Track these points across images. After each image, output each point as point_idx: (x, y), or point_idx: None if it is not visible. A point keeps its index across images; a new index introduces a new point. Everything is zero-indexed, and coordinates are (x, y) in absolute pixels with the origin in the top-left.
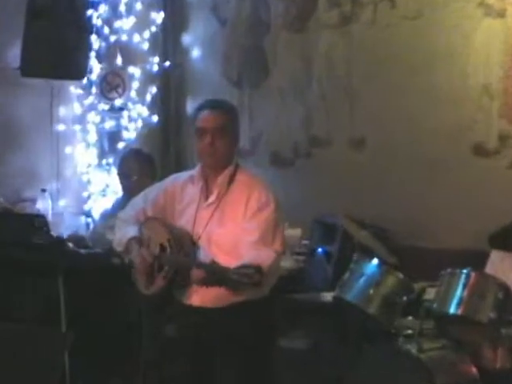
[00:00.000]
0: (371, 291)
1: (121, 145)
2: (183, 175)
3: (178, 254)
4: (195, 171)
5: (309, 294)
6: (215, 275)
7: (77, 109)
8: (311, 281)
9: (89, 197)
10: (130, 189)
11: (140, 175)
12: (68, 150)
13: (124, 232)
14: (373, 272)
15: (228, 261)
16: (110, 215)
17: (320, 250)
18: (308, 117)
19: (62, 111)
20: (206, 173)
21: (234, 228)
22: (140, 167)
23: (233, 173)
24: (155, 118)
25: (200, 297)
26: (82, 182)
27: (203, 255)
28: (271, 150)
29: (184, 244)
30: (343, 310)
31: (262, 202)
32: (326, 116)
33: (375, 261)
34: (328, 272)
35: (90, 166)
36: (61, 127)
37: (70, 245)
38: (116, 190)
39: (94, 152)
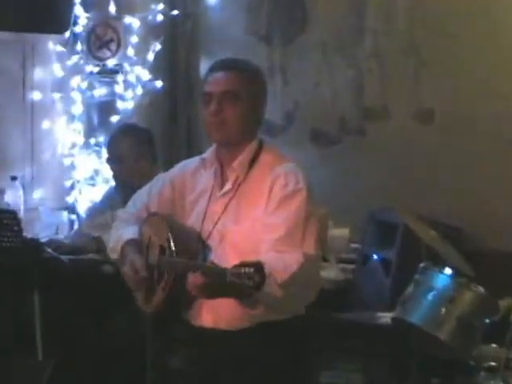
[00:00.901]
0: (443, 311)
1: (114, 118)
2: (194, 160)
3: (178, 256)
4: (208, 153)
5: (360, 314)
6: (214, 280)
7: (57, 71)
8: (363, 296)
9: (72, 187)
10: (123, 177)
11: (135, 159)
12: (46, 125)
13: (120, 234)
14: (445, 286)
15: None
16: (99, 211)
17: (375, 256)
18: (359, 82)
19: (38, 74)
20: (221, 154)
21: (253, 223)
22: (135, 148)
23: (255, 153)
24: (159, 84)
25: (212, 315)
26: (64, 168)
27: (213, 257)
28: (311, 126)
29: (189, 244)
30: (405, 334)
31: (290, 188)
32: (381, 81)
33: (448, 271)
34: (385, 285)
35: (74, 146)
36: (36, 96)
37: (48, 250)
38: (108, 177)
39: (79, 128)
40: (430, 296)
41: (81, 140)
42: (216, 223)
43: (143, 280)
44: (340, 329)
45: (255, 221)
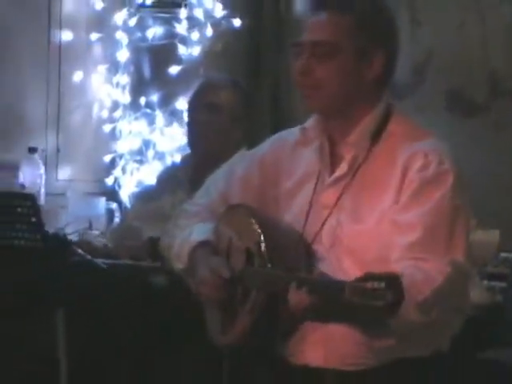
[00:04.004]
0: None
1: (174, 70)
2: (291, 133)
3: (273, 266)
4: (309, 122)
5: (509, 352)
6: (326, 298)
7: (95, 2)
8: None
9: (113, 164)
10: (206, 144)
11: (234, 119)
12: (77, 76)
13: (187, 235)
14: None
15: None
16: (153, 195)
17: None
18: None
19: (69, 6)
20: (329, 125)
21: (379, 221)
22: (238, 105)
23: (379, 123)
24: (237, 23)
25: (322, 350)
26: (102, 137)
27: (321, 269)
28: (448, 86)
29: (287, 250)
30: None
31: (431, 172)
32: None
33: None
34: None
35: (116, 107)
36: (66, 36)
37: (79, 251)
38: (163, 151)
39: (124, 82)
40: None
41: (126, 99)
42: (326, 221)
43: (225, 290)
44: (484, 372)
45: (382, 217)
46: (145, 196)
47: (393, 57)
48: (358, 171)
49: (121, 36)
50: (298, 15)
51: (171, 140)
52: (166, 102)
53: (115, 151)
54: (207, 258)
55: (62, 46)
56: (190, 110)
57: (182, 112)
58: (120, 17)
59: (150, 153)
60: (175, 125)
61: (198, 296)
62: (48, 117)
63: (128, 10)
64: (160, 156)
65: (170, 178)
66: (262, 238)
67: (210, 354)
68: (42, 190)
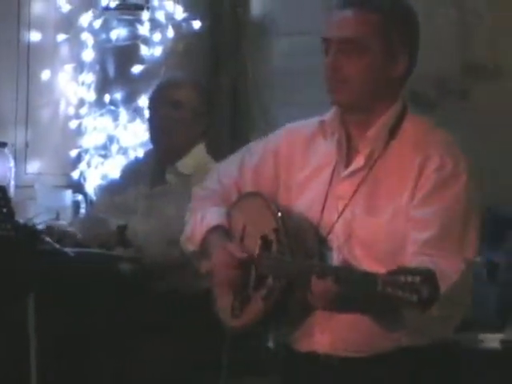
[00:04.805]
0: None
1: (136, 69)
2: (307, 124)
3: (292, 254)
4: (329, 115)
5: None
6: (352, 288)
7: (62, 5)
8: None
9: (79, 158)
10: (168, 140)
11: (195, 115)
12: (45, 75)
13: (201, 218)
14: None
15: None
16: (117, 189)
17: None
18: (464, 30)
19: (37, 8)
20: (348, 119)
21: (394, 215)
22: (197, 102)
23: (396, 120)
24: (197, 24)
25: (329, 337)
26: (69, 133)
27: (336, 261)
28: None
29: (303, 240)
30: None
31: (448, 172)
32: (492, 29)
33: None
34: (490, 296)
35: (82, 104)
36: (34, 37)
37: (48, 239)
38: (127, 146)
39: (89, 81)
40: None
41: (91, 97)
42: (342, 213)
43: (239, 272)
44: None
45: (397, 212)
46: (109, 189)
47: (415, 57)
48: (374, 166)
49: (86, 37)
50: (255, 17)
51: (134, 136)
52: (130, 99)
53: (81, 146)
54: (222, 242)
55: (31, 46)
56: (153, 107)
57: (144, 109)
58: (86, 19)
59: (114, 148)
60: (138, 121)
61: (211, 278)
62: (17, 113)
63: (93, 13)
64: (123, 151)
65: (134, 172)
66: (281, 225)
67: (178, 339)
68: (12, 183)
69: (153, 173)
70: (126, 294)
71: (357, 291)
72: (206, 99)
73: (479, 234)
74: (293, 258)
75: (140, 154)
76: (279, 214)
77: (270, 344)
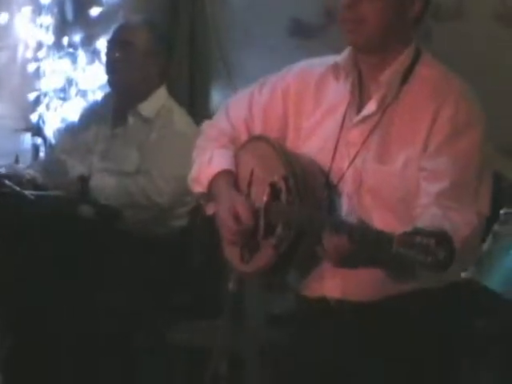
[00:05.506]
0: None
1: (95, 11)
2: (319, 63)
3: (301, 203)
4: (342, 56)
5: None
6: (367, 247)
7: None
8: None
9: (38, 101)
10: (125, 79)
11: (149, 56)
12: (3, 18)
13: (208, 159)
14: None
15: (390, 223)
16: (77, 130)
17: None
18: None
19: None
20: (362, 61)
21: (407, 164)
22: (152, 43)
23: (410, 63)
24: None
25: (341, 283)
26: (27, 76)
27: (346, 209)
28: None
29: (312, 187)
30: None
31: (462, 121)
32: None
33: None
34: None
35: (40, 47)
36: None
37: (7, 182)
38: (86, 89)
39: (47, 23)
40: None
41: (50, 39)
42: (353, 160)
43: (245, 232)
44: None
45: (409, 161)
46: (69, 131)
47: None
48: (386, 111)
49: None
50: None
51: (93, 78)
52: (88, 42)
53: (40, 89)
54: (229, 192)
55: None
56: (106, 50)
57: (102, 52)
58: None
59: (73, 90)
60: (97, 64)
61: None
62: None
63: None
64: (83, 93)
65: (94, 114)
66: (289, 173)
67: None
68: None
69: (114, 115)
70: (86, 236)
71: (371, 250)
72: (159, 40)
73: (491, 190)
74: (303, 209)
75: (99, 96)
76: (286, 162)
77: (230, 285)
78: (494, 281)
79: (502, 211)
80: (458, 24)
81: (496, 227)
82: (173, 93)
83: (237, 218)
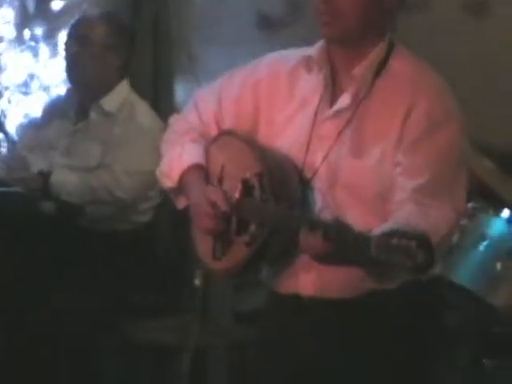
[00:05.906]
0: (498, 267)
1: (56, 5)
2: (291, 55)
3: (276, 201)
4: (315, 49)
5: None
6: (344, 247)
7: None
8: None
9: None
10: (84, 76)
11: (108, 50)
12: None
13: (178, 154)
14: (502, 234)
15: (366, 220)
16: (39, 126)
17: None
18: None
19: None
20: (335, 54)
21: (382, 158)
22: (112, 37)
23: (383, 56)
24: None
25: (315, 280)
26: None
27: (320, 205)
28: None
29: (287, 184)
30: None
31: (438, 116)
32: None
33: (506, 214)
34: None
35: (1, 40)
36: None
37: None
38: (48, 84)
39: (9, 16)
40: (481, 247)
41: (11, 33)
42: (326, 155)
43: (220, 220)
44: None
45: (384, 156)
46: (31, 127)
47: None
48: (359, 105)
49: None
50: None
51: (55, 72)
52: (50, 35)
53: (0, 83)
54: (201, 185)
55: None
56: (65, 45)
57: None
58: None
59: (35, 85)
60: (59, 58)
61: (192, 222)
62: None
63: None
64: (45, 88)
65: (57, 109)
66: (264, 170)
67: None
68: None
69: (76, 110)
70: (48, 233)
71: (348, 251)
72: (119, 33)
73: (467, 188)
74: (278, 208)
75: (62, 91)
76: (258, 158)
77: (196, 281)
78: (461, 276)
79: (469, 205)
80: (424, 14)
81: (463, 222)
82: (136, 87)
83: (213, 204)
